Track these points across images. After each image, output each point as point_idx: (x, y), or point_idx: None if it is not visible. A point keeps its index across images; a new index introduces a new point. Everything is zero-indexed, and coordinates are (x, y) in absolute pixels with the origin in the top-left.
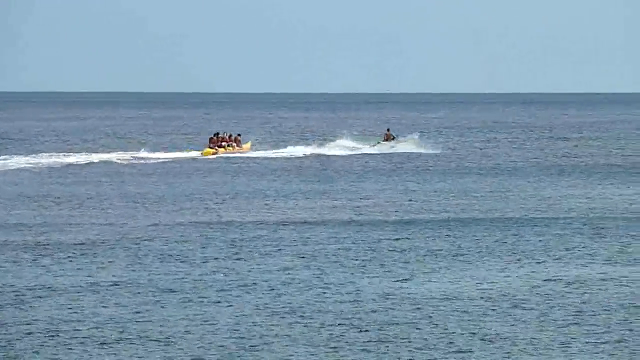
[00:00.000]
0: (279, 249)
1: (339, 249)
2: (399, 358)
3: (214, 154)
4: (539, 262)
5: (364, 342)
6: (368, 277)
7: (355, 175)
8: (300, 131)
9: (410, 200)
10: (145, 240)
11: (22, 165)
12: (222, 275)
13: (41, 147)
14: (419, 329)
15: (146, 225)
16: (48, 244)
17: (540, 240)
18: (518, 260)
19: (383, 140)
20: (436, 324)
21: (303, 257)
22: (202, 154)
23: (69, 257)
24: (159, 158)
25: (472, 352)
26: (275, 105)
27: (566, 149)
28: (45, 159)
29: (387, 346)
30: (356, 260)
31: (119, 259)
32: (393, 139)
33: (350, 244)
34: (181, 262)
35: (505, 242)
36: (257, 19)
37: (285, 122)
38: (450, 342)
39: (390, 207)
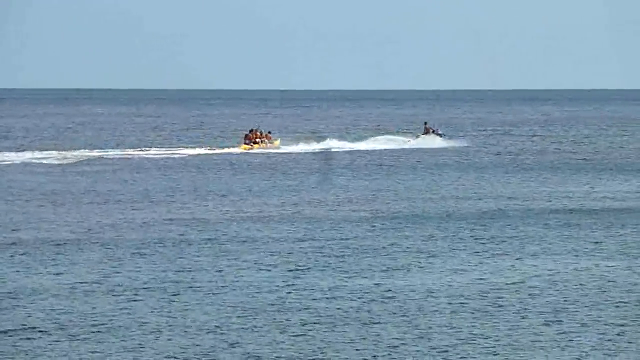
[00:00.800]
0: (255, 246)
1: (315, 246)
2: (374, 355)
3: (249, 149)
4: (514, 258)
5: (339, 339)
6: (345, 274)
7: (336, 172)
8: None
9: (386, 197)
10: (120, 238)
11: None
12: (199, 272)
13: (21, 143)
14: (395, 325)
15: (121, 222)
16: (21, 243)
17: (514, 236)
18: (492, 256)
19: (422, 134)
20: (414, 321)
21: (278, 255)
22: (239, 149)
23: (42, 255)
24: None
25: (449, 348)
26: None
27: (538, 146)
28: (20, 156)
29: (364, 344)
30: (333, 257)
31: (94, 257)
32: (433, 132)
33: (326, 241)
34: (157, 259)
35: (480, 238)
36: (254, 20)
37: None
38: (428, 339)
39: (370, 204)
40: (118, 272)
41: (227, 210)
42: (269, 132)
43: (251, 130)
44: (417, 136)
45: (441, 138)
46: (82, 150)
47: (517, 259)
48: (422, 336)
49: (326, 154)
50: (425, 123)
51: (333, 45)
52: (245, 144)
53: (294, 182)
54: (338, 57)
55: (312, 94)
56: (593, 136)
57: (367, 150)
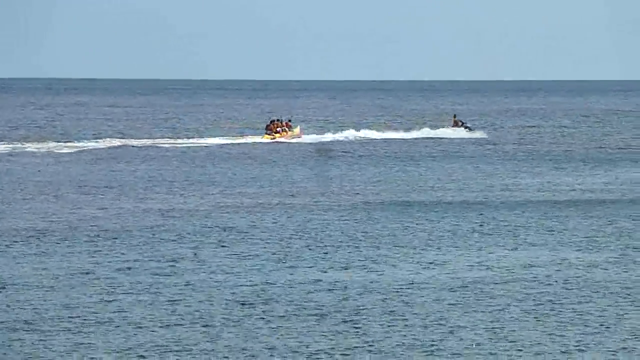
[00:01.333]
0: (239, 238)
1: (299, 237)
2: (359, 347)
3: (272, 139)
4: (499, 250)
5: (323, 331)
6: (329, 266)
7: (326, 163)
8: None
9: (372, 188)
10: (104, 229)
11: None
12: (183, 263)
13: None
14: (380, 318)
15: (107, 213)
16: (2, 234)
17: (498, 228)
18: (477, 248)
19: (452, 127)
20: (398, 313)
21: (261, 246)
22: (262, 139)
23: (26, 247)
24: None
25: (433, 340)
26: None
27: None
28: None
29: (348, 336)
30: (317, 248)
31: (77, 249)
32: (462, 124)
33: (310, 232)
34: (141, 250)
35: (464, 230)
36: (255, 20)
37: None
38: (413, 331)
39: (357, 193)
40: (101, 264)
41: (212, 201)
42: (289, 121)
43: (272, 121)
44: (445, 129)
45: (468, 131)
46: (60, 141)
47: (501, 251)
48: (406, 328)
49: (321, 145)
50: (454, 116)
51: (333, 45)
52: (267, 134)
53: (278, 173)
54: (338, 57)
55: (309, 84)
56: (576, 127)
57: (362, 140)
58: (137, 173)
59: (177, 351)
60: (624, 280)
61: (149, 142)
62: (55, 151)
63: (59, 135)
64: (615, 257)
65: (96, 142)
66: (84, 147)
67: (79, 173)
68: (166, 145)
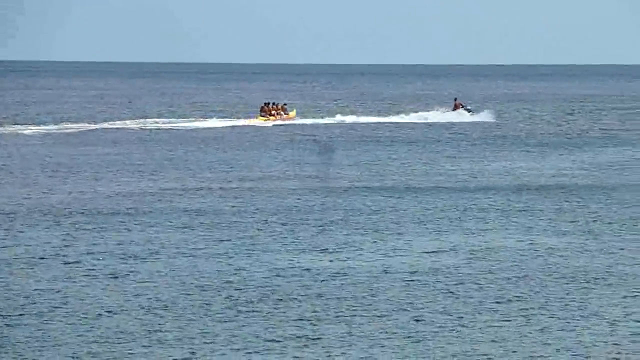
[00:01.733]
0: (208, 222)
1: (268, 221)
2: (328, 334)
3: (266, 121)
4: (470, 234)
5: (291, 317)
6: (299, 250)
7: (297, 147)
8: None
9: (348, 171)
10: (72, 211)
11: None
12: (151, 248)
13: None
14: (350, 303)
15: (73, 196)
16: None
17: (469, 212)
18: (447, 232)
19: (452, 110)
20: (367, 298)
21: (231, 231)
22: (255, 121)
23: None
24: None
25: (403, 325)
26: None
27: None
28: None
29: (317, 322)
30: (286, 233)
31: (46, 232)
32: (462, 107)
33: (279, 216)
34: (110, 234)
35: (434, 215)
36: (255, 20)
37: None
38: (383, 317)
39: (328, 178)
40: (68, 248)
41: (181, 185)
42: (285, 104)
43: (267, 104)
44: (445, 111)
45: (469, 114)
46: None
47: (471, 236)
48: (375, 314)
49: (291, 128)
50: (455, 99)
51: (333, 45)
52: (261, 116)
53: (249, 156)
54: (338, 57)
55: (309, 68)
56: (550, 112)
57: (336, 124)
58: (106, 157)
59: (143, 337)
60: (593, 265)
61: (119, 124)
62: (21, 132)
63: (23, 119)
64: (585, 242)
65: (58, 125)
66: (50, 129)
67: (46, 155)
68: (136, 128)
